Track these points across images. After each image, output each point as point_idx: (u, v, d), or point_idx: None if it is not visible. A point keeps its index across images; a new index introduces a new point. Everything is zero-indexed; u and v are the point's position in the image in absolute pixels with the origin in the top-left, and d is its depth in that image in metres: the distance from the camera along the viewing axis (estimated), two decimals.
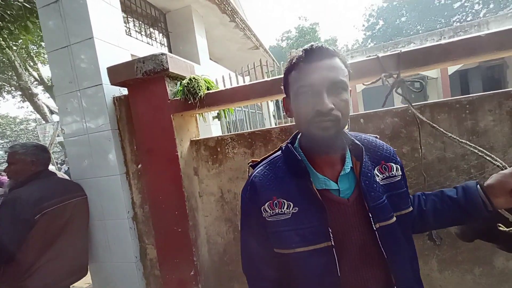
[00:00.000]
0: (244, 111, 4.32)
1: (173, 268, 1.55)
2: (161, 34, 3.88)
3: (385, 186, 0.71)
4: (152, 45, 3.65)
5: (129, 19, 3.29)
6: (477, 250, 1.29)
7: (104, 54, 1.67)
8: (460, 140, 0.96)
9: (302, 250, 0.65)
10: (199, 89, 1.35)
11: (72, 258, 1.62)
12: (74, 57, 1.67)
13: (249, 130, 1.55)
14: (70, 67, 1.69)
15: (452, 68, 8.90)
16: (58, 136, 7.20)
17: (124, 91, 1.80)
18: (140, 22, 3.46)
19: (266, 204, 0.68)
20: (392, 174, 0.73)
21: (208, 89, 1.42)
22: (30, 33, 3.30)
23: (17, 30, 3.27)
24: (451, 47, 1.07)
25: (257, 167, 0.77)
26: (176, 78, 1.57)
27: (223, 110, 1.76)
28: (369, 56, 1.17)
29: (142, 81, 1.48)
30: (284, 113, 0.77)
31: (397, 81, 1.07)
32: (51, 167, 3.36)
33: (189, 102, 1.41)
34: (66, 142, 1.80)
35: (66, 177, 2.46)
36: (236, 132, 1.58)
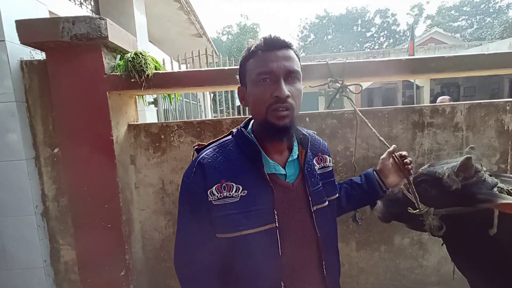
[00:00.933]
0: (185, 100, 4.08)
1: (98, 270, 1.34)
2: None
3: (320, 175, 0.80)
4: (81, 7, 3.00)
5: None
6: (383, 232, 1.60)
7: (9, 1, 1.28)
8: (385, 141, 1.16)
9: (248, 232, 0.66)
10: (147, 67, 1.20)
11: None
12: None
13: (198, 119, 1.47)
14: None
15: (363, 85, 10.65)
16: None
17: (38, 55, 1.43)
18: None
19: (214, 187, 0.67)
20: (326, 165, 0.85)
21: (156, 69, 1.28)
22: None
23: None
24: (382, 64, 1.28)
25: (204, 150, 0.75)
26: (115, 50, 1.35)
27: (167, 95, 1.62)
28: (319, 61, 1.28)
29: (69, 47, 1.20)
30: (240, 103, 0.80)
31: (342, 85, 1.21)
32: None
33: (132, 80, 1.23)
34: None
35: None
36: (184, 120, 1.48)
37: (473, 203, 0.90)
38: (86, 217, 1.33)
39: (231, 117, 1.44)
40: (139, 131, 1.47)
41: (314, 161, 0.81)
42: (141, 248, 1.53)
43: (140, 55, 1.20)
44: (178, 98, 1.63)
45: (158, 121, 3.28)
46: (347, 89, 1.20)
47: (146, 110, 3.00)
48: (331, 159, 0.88)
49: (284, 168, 0.73)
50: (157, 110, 2.99)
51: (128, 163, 1.46)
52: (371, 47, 29.22)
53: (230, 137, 0.78)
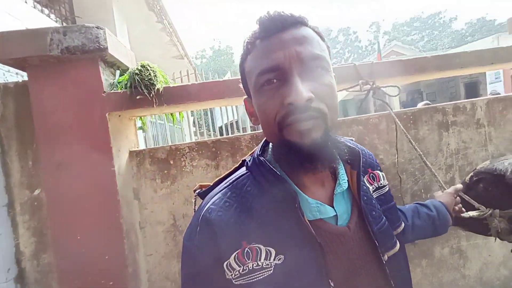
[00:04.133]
0: (165, 124, 3.81)
1: None
2: (59, 18, 2.93)
3: (377, 200, 0.56)
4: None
5: None
6: (422, 245, 1.46)
7: None
8: (418, 150, 1.07)
9: None
10: (156, 81, 1.02)
11: None
12: None
13: (213, 138, 1.29)
14: None
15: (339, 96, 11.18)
16: None
17: (12, 76, 1.19)
18: None
19: (233, 257, 0.42)
20: (381, 184, 0.60)
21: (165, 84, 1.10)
22: None
23: None
24: (409, 63, 1.23)
25: (209, 196, 0.50)
26: (113, 65, 1.15)
27: (170, 115, 1.42)
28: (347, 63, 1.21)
29: (58, 62, 0.99)
30: (251, 122, 0.55)
31: (373, 87, 1.12)
32: None
33: (138, 97, 1.04)
34: None
35: None
36: (197, 140, 1.29)
37: None
38: (79, 277, 1.02)
39: (250, 132, 1.27)
40: (143, 158, 1.24)
41: (366, 182, 0.57)
42: None
43: (149, 67, 1.02)
44: (182, 116, 1.44)
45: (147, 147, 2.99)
46: (380, 90, 1.11)
47: None
48: (383, 174, 0.62)
49: (332, 206, 0.48)
50: (144, 136, 2.72)
51: (131, 198, 1.20)
52: (338, 62, 32.32)
53: (243, 170, 0.52)
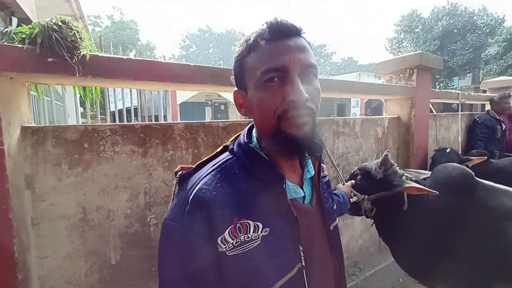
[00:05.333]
0: (38, 97, 2.96)
1: None
2: None
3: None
4: None
5: None
6: None
7: None
8: (328, 153, 1.39)
9: (280, 284, 0.50)
10: (82, 45, 0.84)
11: None
12: None
13: (143, 122, 1.17)
14: None
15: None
16: None
17: None
18: None
19: (227, 232, 0.48)
20: (325, 174, 0.74)
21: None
22: None
23: None
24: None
25: (197, 178, 0.53)
26: (4, 8, 0.85)
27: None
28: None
29: None
30: (238, 111, 0.59)
31: None
32: None
33: (50, 59, 0.82)
34: None
35: None
36: (122, 123, 1.13)
37: (391, 188, 1.23)
38: None
39: (184, 121, 1.25)
40: (43, 138, 0.97)
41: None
42: None
43: (72, 26, 0.82)
44: (99, 94, 1.23)
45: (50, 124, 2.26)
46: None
47: None
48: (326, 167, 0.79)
49: (302, 188, 0.59)
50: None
51: (22, 187, 0.92)
52: None
53: (227, 155, 0.58)
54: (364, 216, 1.34)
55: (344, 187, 1.17)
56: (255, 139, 0.59)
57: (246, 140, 0.57)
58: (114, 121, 3.86)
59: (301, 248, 0.53)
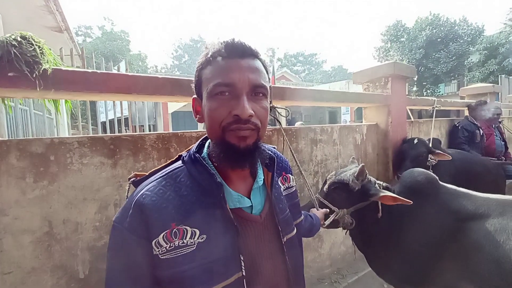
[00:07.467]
0: (26, 110, 2.93)
1: None
2: None
3: (286, 197, 0.71)
4: None
5: None
6: None
7: None
8: (297, 161, 1.41)
9: None
10: (43, 59, 0.85)
11: None
12: None
13: (112, 134, 1.18)
14: None
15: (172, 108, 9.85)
16: None
17: None
18: None
19: (162, 236, 0.50)
20: (291, 185, 0.74)
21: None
22: None
23: None
24: (293, 91, 1.58)
25: (144, 184, 0.57)
26: None
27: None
28: None
29: None
30: (194, 117, 0.63)
31: (270, 106, 1.37)
32: None
33: (11, 74, 0.83)
34: None
35: None
36: (91, 135, 1.14)
37: (367, 198, 1.23)
38: None
39: (156, 132, 1.26)
40: (6, 151, 0.97)
41: (279, 183, 0.71)
42: None
43: (33, 41, 0.84)
44: (70, 106, 1.23)
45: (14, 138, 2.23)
46: (276, 111, 1.37)
47: None
48: (294, 177, 0.79)
49: (249, 198, 0.60)
50: None
51: None
52: None
53: (179, 164, 0.61)
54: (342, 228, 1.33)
55: (318, 212, 1.17)
56: (206, 149, 0.62)
57: (195, 150, 0.61)
58: (105, 131, 3.84)
59: (241, 258, 0.54)
